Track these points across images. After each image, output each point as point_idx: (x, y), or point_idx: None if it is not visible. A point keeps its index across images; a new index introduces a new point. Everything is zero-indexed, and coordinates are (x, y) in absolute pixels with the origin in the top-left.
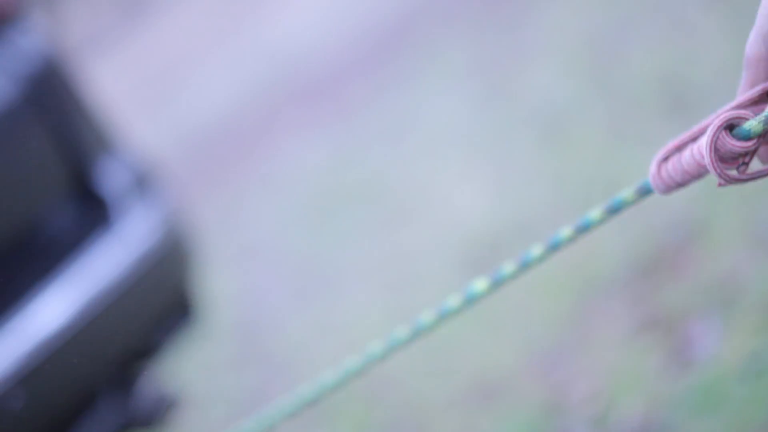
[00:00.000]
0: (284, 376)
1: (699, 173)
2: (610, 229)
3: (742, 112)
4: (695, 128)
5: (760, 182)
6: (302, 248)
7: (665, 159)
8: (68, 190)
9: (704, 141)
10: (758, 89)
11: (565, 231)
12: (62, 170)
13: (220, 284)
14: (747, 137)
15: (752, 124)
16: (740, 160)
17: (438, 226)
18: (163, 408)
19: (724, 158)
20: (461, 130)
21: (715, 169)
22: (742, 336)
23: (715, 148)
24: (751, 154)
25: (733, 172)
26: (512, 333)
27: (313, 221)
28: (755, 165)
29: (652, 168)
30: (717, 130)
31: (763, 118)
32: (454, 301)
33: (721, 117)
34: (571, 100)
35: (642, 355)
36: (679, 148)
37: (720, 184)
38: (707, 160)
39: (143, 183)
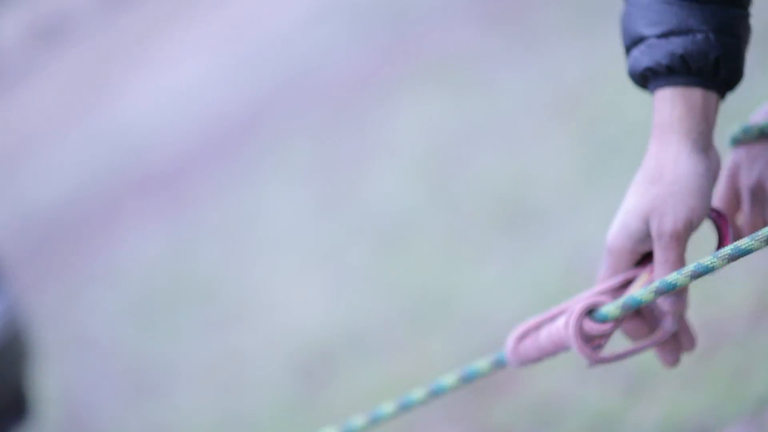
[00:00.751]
0: None
1: (555, 351)
2: (442, 339)
3: (601, 298)
4: (553, 309)
5: None
6: (137, 344)
7: (523, 336)
8: None
9: (564, 322)
10: (619, 279)
11: (417, 393)
12: None
13: (54, 378)
14: (604, 320)
15: (610, 309)
16: (597, 341)
17: (271, 330)
18: None
19: (588, 338)
20: (300, 232)
21: (583, 352)
22: None
23: (579, 331)
24: (607, 336)
25: (601, 354)
26: None
27: (149, 317)
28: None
29: (510, 343)
30: (580, 315)
31: (620, 304)
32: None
33: (583, 303)
34: (412, 208)
35: None
36: (537, 327)
37: (589, 365)
38: (574, 344)
39: None
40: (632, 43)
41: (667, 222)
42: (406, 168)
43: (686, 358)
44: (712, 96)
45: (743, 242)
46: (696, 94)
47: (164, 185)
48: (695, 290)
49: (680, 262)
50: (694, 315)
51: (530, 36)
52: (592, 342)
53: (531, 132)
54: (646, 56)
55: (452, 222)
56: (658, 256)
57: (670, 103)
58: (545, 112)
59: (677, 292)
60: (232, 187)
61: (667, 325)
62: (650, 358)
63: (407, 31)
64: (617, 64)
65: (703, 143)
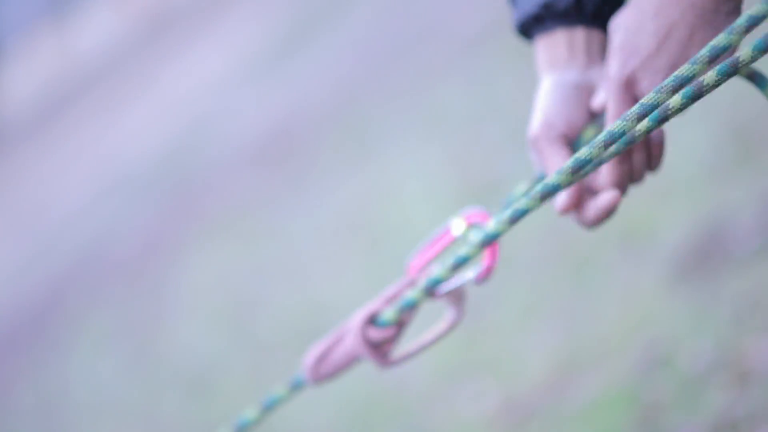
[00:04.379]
0: None
1: (351, 363)
2: None
3: (380, 306)
4: (339, 329)
5: None
6: None
7: (320, 358)
8: None
9: (352, 336)
10: (393, 289)
11: (250, 412)
12: None
13: None
14: (386, 325)
15: (388, 314)
16: (386, 347)
17: None
18: None
19: (375, 346)
20: (112, 396)
21: (374, 359)
22: None
23: (366, 341)
24: (392, 339)
25: (391, 356)
26: None
27: None
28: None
29: (307, 366)
30: (362, 326)
31: (397, 308)
32: None
33: (363, 314)
34: (216, 353)
35: None
36: (331, 346)
37: (382, 369)
38: (364, 353)
39: None
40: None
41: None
42: (207, 317)
43: None
44: (580, 32)
45: (582, 153)
46: (564, 34)
47: None
48: (494, 367)
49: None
50: (496, 394)
51: (307, 171)
52: (381, 348)
53: (320, 261)
54: (515, 14)
55: (255, 358)
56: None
57: (541, 50)
58: (331, 240)
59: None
60: (44, 364)
61: (453, 314)
62: None
63: (191, 189)
64: (394, 183)
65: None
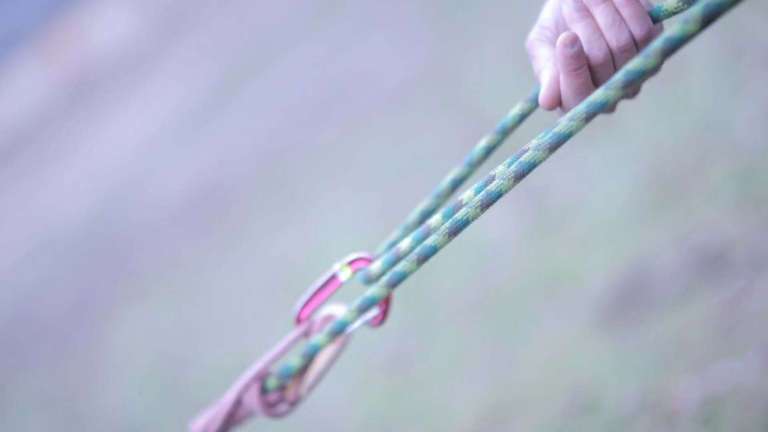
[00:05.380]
0: None
1: (243, 423)
2: None
3: (263, 371)
4: (227, 395)
5: None
6: None
7: (206, 426)
8: None
9: (247, 402)
10: (282, 346)
11: None
12: None
13: None
14: (275, 389)
15: (271, 382)
16: (280, 404)
17: None
18: None
19: (270, 404)
20: None
21: (272, 417)
22: None
23: (261, 402)
24: (283, 400)
25: (284, 408)
26: None
27: None
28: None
29: None
30: (259, 396)
31: (279, 373)
32: None
33: (254, 385)
34: (146, 412)
35: None
36: (219, 417)
37: (279, 418)
38: (263, 415)
39: None
40: None
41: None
42: (137, 376)
43: None
44: None
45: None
46: None
47: None
48: (422, 416)
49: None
50: None
51: (235, 228)
52: (274, 406)
53: (249, 317)
54: None
55: (187, 416)
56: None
57: None
58: (260, 296)
59: None
60: None
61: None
62: None
63: (120, 250)
64: (322, 237)
65: None
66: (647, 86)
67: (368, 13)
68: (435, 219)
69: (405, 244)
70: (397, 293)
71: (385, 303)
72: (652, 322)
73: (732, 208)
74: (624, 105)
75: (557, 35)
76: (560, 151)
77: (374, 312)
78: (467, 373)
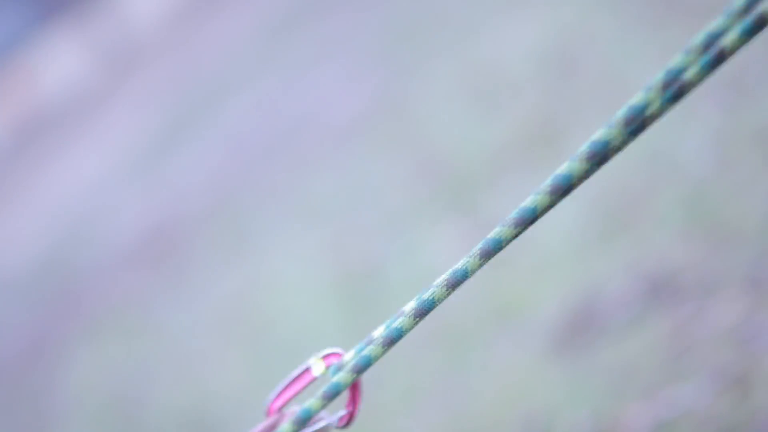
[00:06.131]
0: None
1: None
2: None
3: None
4: None
5: None
6: None
7: None
8: None
9: None
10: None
11: None
12: None
13: None
14: None
15: None
16: None
17: None
18: None
19: None
20: None
21: None
22: None
23: None
24: None
25: None
26: None
27: None
28: None
29: None
30: None
31: None
32: None
33: None
34: None
35: None
36: None
37: None
38: None
39: None
40: None
41: None
42: (91, 415)
43: None
44: None
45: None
46: None
47: None
48: None
49: None
50: None
51: (187, 266)
52: None
53: (203, 354)
54: None
55: None
56: None
57: None
58: (213, 333)
59: None
60: None
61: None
62: None
63: (71, 291)
64: (273, 273)
65: None
66: (591, 115)
67: (317, 50)
68: (409, 306)
69: (378, 331)
70: (351, 327)
71: (353, 401)
72: (603, 350)
73: (680, 234)
74: (571, 131)
75: None
76: (507, 180)
77: (340, 412)
78: (421, 404)
